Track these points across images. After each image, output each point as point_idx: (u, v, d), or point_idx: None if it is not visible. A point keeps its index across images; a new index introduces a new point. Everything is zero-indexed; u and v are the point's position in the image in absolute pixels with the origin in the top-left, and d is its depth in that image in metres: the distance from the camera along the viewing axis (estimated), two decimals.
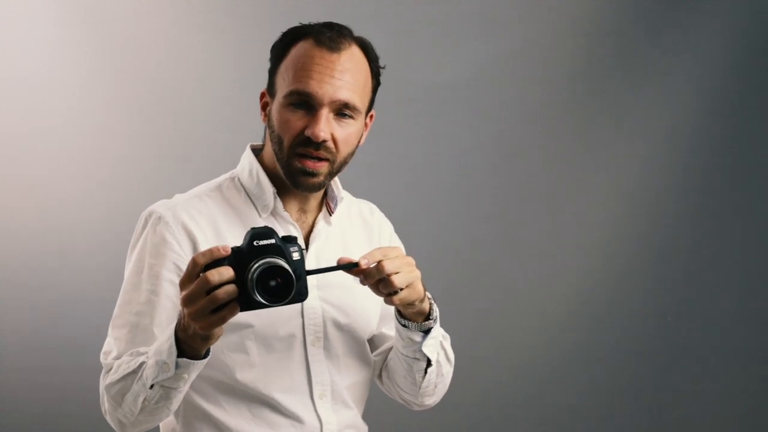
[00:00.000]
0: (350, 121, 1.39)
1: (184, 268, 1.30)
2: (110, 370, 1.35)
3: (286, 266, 1.13)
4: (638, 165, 2.90)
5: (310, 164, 1.37)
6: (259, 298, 1.13)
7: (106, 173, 2.82)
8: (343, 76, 1.36)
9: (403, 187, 2.86)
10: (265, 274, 1.12)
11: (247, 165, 1.46)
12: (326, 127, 1.36)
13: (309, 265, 1.40)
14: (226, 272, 1.14)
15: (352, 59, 1.38)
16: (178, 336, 1.21)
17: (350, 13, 2.68)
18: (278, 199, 1.43)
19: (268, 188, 1.43)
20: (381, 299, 1.50)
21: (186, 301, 1.16)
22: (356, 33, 1.43)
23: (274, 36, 1.44)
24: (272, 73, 1.43)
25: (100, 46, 2.78)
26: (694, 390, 2.91)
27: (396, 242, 1.65)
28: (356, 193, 1.62)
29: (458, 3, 2.84)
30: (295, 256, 1.17)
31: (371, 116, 1.47)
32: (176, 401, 1.31)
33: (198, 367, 1.26)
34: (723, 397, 2.91)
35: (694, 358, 2.92)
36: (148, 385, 1.26)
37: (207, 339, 1.20)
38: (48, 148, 2.81)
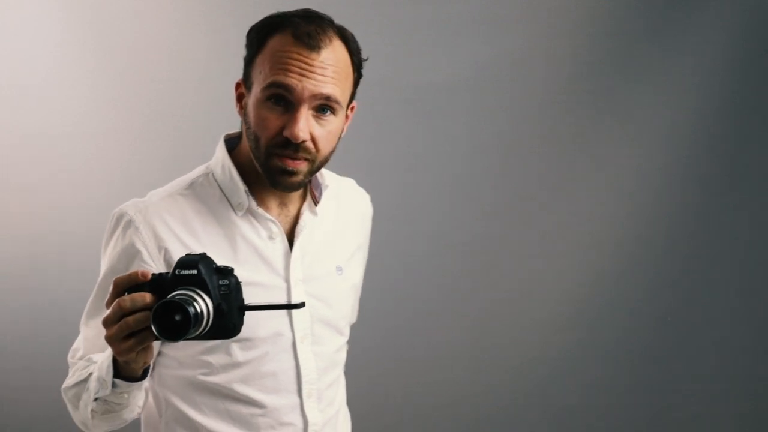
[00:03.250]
0: (330, 117, 1.33)
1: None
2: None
3: (193, 303, 1.07)
4: (638, 165, 2.89)
5: (290, 163, 1.31)
6: (154, 331, 1.06)
7: (107, 174, 2.81)
8: (324, 71, 1.30)
9: (403, 186, 2.86)
10: (163, 307, 1.06)
11: (220, 160, 1.42)
12: (305, 126, 1.29)
13: (294, 262, 1.39)
14: (140, 299, 1.09)
15: (332, 54, 1.31)
16: None
17: (350, 12, 2.69)
18: (251, 197, 1.38)
19: (240, 186, 1.38)
20: (359, 289, 1.53)
21: (103, 324, 1.12)
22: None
23: None
24: (248, 63, 1.36)
25: (102, 47, 2.78)
26: (694, 390, 2.91)
27: (367, 239, 1.62)
28: None
29: (458, 3, 2.84)
30: (224, 290, 1.12)
31: (352, 108, 1.42)
32: (128, 413, 1.30)
33: (135, 387, 1.23)
34: (723, 397, 2.91)
35: (694, 358, 2.92)
36: (92, 398, 1.26)
37: (129, 362, 1.16)
38: (49, 150, 2.81)
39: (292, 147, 1.30)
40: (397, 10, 2.80)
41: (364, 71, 1.39)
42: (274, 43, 1.31)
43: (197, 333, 1.09)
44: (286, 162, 1.31)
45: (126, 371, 1.20)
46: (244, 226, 1.38)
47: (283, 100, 1.29)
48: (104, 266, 1.39)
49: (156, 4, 2.81)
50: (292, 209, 1.43)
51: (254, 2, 2.79)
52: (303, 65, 1.28)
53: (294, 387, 1.39)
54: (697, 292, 2.91)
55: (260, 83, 1.31)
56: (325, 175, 1.47)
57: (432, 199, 2.87)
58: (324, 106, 1.31)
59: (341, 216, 1.51)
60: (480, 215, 2.89)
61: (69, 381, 1.35)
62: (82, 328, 1.41)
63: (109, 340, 1.11)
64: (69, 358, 1.40)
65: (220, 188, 1.40)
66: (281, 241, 1.40)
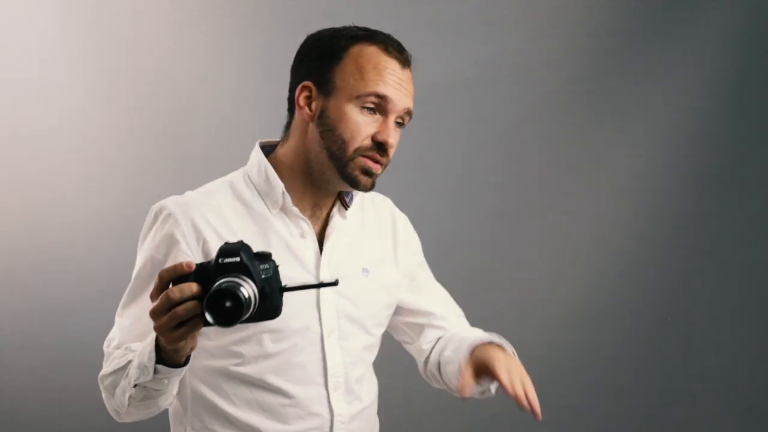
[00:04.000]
0: (401, 129, 1.47)
1: None
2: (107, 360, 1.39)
3: (240, 289, 1.11)
4: (639, 165, 2.90)
5: (372, 165, 1.42)
6: (209, 319, 1.10)
7: (106, 173, 2.82)
8: (409, 86, 1.44)
9: (403, 186, 2.84)
10: (215, 295, 1.10)
11: (256, 162, 1.48)
12: (395, 134, 1.43)
13: (323, 261, 1.45)
14: (188, 289, 1.13)
15: (411, 72, 1.46)
16: (159, 342, 1.22)
17: (351, 12, 2.69)
18: (287, 195, 1.44)
19: (277, 185, 1.44)
20: (393, 289, 1.58)
21: (151, 315, 1.16)
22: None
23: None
24: (324, 68, 1.43)
25: (100, 46, 2.78)
26: (694, 390, 2.91)
27: (415, 240, 1.70)
28: None
29: (458, 3, 2.84)
30: (265, 274, 1.16)
31: None
32: (164, 400, 1.34)
33: (177, 374, 1.27)
34: (723, 397, 2.91)
35: (694, 358, 2.92)
36: (132, 384, 1.29)
37: (178, 350, 1.20)
38: (48, 149, 2.81)
39: (381, 151, 1.42)
40: (397, 10, 2.80)
41: None
42: (363, 53, 1.42)
43: (246, 316, 1.12)
44: (369, 164, 1.42)
45: (172, 358, 1.24)
46: (277, 223, 1.45)
47: (379, 108, 1.41)
48: (141, 259, 1.44)
49: (156, 4, 2.81)
50: (325, 212, 1.50)
51: (254, 2, 2.81)
52: (398, 79, 1.42)
53: (321, 379, 1.45)
54: (697, 292, 2.91)
55: (355, 90, 1.41)
56: None
57: (431, 199, 2.87)
58: (402, 120, 1.45)
59: (366, 222, 1.59)
60: (479, 215, 2.89)
61: (106, 369, 1.38)
62: (117, 319, 1.45)
63: (159, 330, 1.15)
64: (104, 347, 1.44)
65: (256, 188, 1.47)
66: (312, 239, 1.47)
